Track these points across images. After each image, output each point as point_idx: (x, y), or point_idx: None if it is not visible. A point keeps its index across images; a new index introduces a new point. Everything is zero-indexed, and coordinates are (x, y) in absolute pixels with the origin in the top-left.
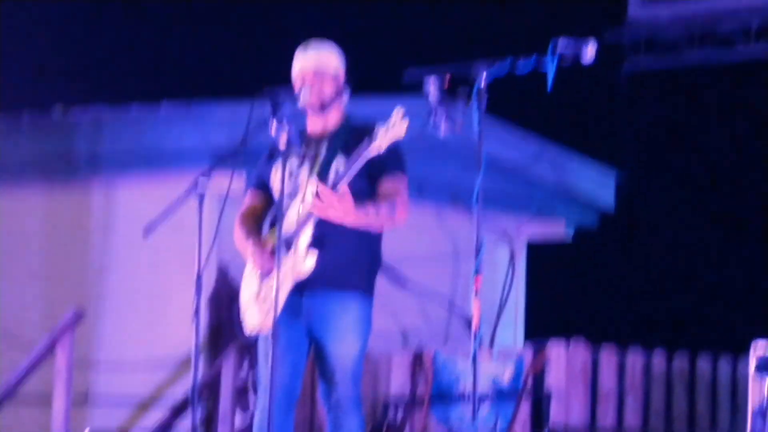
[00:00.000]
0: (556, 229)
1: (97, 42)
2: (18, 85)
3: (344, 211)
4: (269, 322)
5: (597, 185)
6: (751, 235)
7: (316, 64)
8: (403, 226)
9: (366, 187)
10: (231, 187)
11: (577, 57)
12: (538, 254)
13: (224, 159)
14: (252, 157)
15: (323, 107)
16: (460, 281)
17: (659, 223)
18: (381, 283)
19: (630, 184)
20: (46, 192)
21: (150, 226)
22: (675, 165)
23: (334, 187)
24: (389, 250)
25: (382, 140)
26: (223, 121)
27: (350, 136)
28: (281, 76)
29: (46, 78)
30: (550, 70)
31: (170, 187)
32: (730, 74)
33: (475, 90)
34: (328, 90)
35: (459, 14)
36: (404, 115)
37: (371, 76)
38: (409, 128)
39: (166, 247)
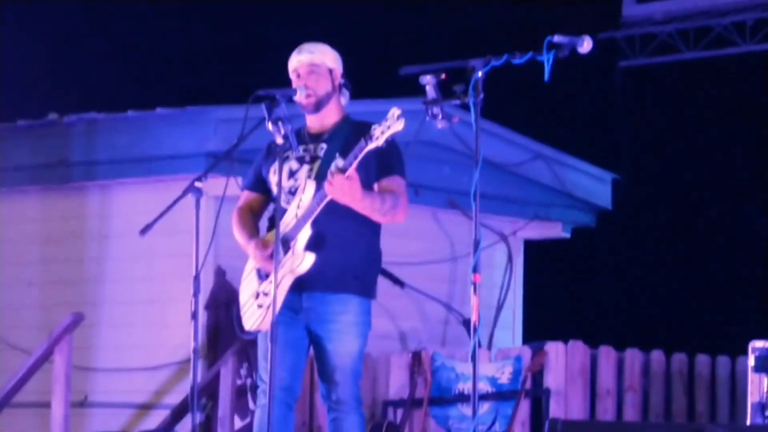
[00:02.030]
0: (554, 231)
1: (91, 49)
2: (13, 93)
3: (353, 194)
4: (268, 321)
5: (594, 184)
6: (750, 234)
7: (311, 59)
8: (401, 229)
9: (365, 182)
10: (227, 189)
11: (573, 49)
12: (536, 253)
13: (220, 161)
14: (248, 159)
15: (319, 105)
16: (458, 284)
17: (657, 222)
18: (379, 285)
19: (627, 182)
20: (42, 198)
21: (147, 226)
22: (672, 162)
23: (342, 173)
24: (386, 253)
25: (379, 138)
26: (218, 124)
27: (349, 134)
28: (276, 80)
29: (41, 85)
30: (547, 60)
31: (166, 192)
32: (726, 70)
33: (472, 82)
34: (324, 86)
35: (453, 19)
36: (401, 115)
37: (369, 80)
38: (406, 130)
39: (162, 252)
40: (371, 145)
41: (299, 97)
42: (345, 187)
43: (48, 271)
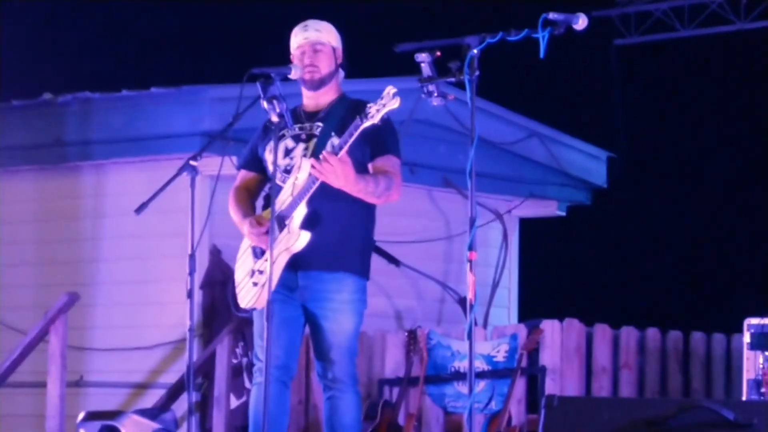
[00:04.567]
0: (549, 209)
1: (86, 28)
2: (8, 73)
3: (345, 177)
4: (264, 299)
5: (589, 162)
6: (745, 212)
7: (318, 37)
8: (396, 207)
9: (360, 161)
10: (222, 168)
11: (569, 26)
12: (532, 231)
13: (216, 140)
14: (243, 138)
15: (321, 83)
16: (453, 262)
17: (652, 199)
18: (375, 264)
19: (622, 160)
20: (36, 178)
21: (142, 205)
22: (667, 139)
23: (335, 155)
24: (382, 232)
25: (375, 116)
26: (212, 104)
27: (345, 113)
28: (271, 59)
29: (35, 65)
30: (543, 37)
31: (161, 172)
32: (721, 48)
33: (467, 60)
34: (328, 65)
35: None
36: (396, 93)
37: (363, 58)
38: (401, 108)
39: (157, 231)
40: (366, 123)
41: (298, 73)
42: (338, 171)
43: (43, 251)
